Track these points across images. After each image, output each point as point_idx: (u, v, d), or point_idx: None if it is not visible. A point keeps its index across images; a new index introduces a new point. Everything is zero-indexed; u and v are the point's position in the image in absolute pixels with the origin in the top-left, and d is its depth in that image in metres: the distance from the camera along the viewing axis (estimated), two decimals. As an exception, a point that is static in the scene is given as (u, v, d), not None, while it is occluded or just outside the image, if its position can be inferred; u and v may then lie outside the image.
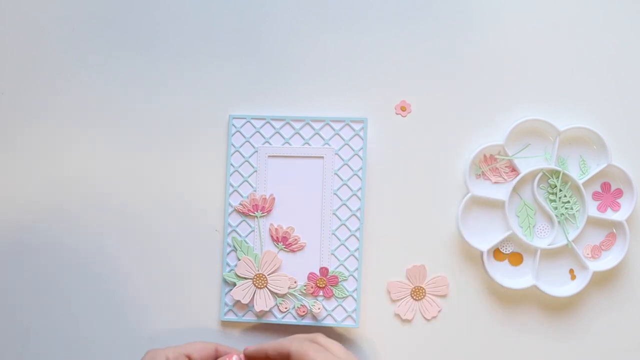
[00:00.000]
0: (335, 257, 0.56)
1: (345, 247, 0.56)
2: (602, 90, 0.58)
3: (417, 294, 0.56)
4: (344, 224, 0.56)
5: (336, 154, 0.56)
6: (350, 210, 0.56)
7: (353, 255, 0.56)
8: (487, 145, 0.56)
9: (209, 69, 0.58)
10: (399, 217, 0.57)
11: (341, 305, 0.56)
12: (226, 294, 0.56)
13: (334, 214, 0.56)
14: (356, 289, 0.56)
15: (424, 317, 0.56)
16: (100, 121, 0.58)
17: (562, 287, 0.56)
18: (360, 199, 0.56)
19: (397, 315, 0.56)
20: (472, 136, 0.57)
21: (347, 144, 0.56)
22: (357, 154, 0.56)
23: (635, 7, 0.58)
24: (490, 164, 0.57)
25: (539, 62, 0.58)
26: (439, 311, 0.56)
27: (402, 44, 0.58)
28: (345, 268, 0.56)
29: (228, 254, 0.56)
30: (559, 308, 0.57)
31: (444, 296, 0.57)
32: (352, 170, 0.56)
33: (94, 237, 0.57)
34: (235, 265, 0.56)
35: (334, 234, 0.56)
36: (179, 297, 0.57)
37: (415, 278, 0.56)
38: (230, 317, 0.56)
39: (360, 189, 0.56)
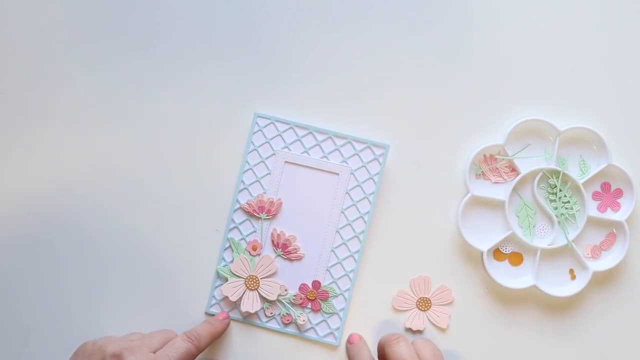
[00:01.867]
0: (330, 273, 0.56)
1: (342, 266, 0.56)
2: (602, 90, 0.58)
3: (423, 305, 0.56)
4: (345, 244, 0.56)
5: (352, 173, 0.56)
6: (354, 231, 0.56)
7: (347, 276, 0.56)
8: (487, 145, 0.56)
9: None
10: (399, 217, 0.57)
11: (326, 321, 0.56)
12: (216, 287, 0.56)
13: (337, 231, 0.56)
14: (344, 309, 0.55)
15: (436, 326, 0.56)
16: (100, 121, 0.58)
17: (562, 287, 0.56)
18: (365, 223, 0.56)
19: (408, 329, 0.56)
20: (472, 136, 0.57)
21: (365, 166, 0.56)
22: (372, 178, 0.56)
23: (635, 7, 0.58)
24: (490, 164, 0.57)
25: (539, 62, 0.58)
26: (449, 317, 0.56)
27: (402, 44, 0.58)
28: (338, 286, 0.56)
29: (225, 249, 0.56)
30: (559, 308, 0.57)
31: (449, 304, 0.56)
32: (364, 193, 0.56)
33: (94, 236, 0.57)
34: (231, 262, 0.56)
35: (333, 251, 0.56)
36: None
37: (419, 289, 0.56)
38: (215, 310, 0.56)
39: (368, 212, 0.56)
